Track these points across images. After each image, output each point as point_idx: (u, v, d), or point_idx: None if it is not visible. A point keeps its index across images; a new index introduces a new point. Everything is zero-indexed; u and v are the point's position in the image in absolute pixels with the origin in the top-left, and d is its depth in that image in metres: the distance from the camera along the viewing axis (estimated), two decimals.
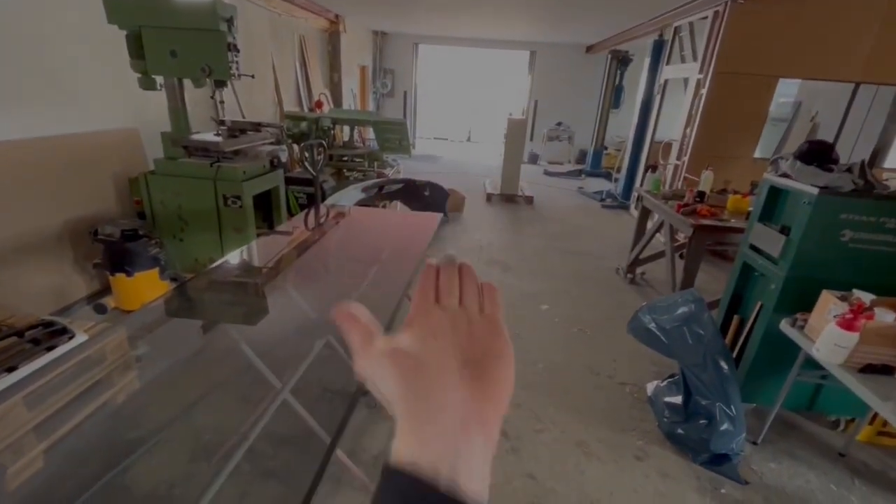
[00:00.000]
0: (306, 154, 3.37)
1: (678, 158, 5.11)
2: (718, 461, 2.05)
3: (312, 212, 3.25)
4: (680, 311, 2.17)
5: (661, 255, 4.16)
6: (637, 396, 2.54)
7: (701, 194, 3.42)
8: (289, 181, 4.18)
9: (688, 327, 2.10)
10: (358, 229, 3.19)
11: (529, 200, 6.67)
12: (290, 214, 4.06)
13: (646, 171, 5.62)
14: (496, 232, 5.39)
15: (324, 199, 4.13)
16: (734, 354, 2.33)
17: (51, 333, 1.95)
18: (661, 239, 4.21)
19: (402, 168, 7.27)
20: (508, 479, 1.95)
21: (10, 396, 1.73)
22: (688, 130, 4.98)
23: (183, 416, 2.30)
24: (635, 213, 6.18)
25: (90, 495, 1.68)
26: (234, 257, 2.69)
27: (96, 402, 2.05)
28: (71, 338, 1.97)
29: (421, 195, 5.16)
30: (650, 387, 2.56)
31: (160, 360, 2.37)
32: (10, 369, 1.68)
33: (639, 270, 4.15)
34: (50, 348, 1.84)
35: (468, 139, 14.24)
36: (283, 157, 4.86)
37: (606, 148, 9.48)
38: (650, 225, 4.07)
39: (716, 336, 2.07)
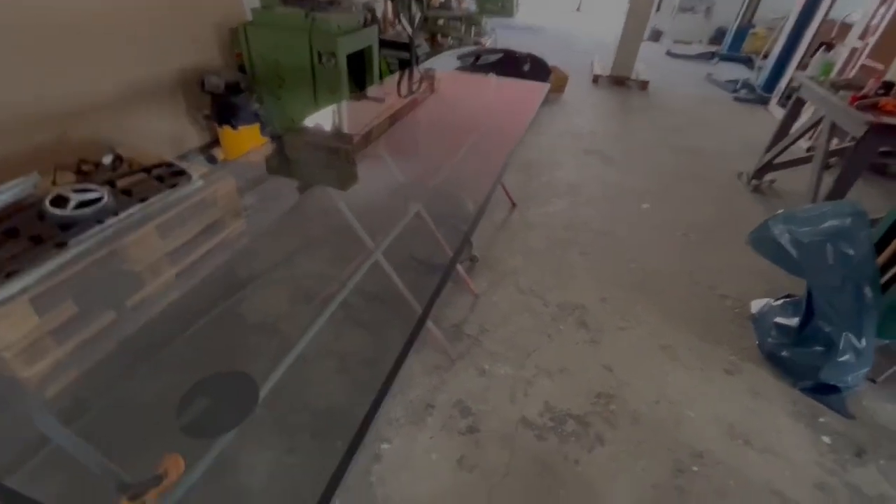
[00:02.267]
0: (401, 13, 3.05)
1: (861, 38, 3.96)
2: (824, 391, 1.86)
3: (406, 77, 3.04)
4: (828, 224, 1.80)
5: (800, 162, 3.48)
6: (738, 312, 2.31)
7: (888, 85, 2.65)
8: (381, 45, 3.91)
9: (833, 244, 1.76)
10: (454, 97, 2.96)
11: (644, 86, 5.78)
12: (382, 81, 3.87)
13: (815, 50, 4.47)
14: (600, 119, 4.82)
15: (418, 64, 3.84)
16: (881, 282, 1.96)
17: (172, 174, 2.11)
18: (801, 146, 3.48)
19: (500, 39, 6.51)
20: (584, 367, 1.94)
21: (145, 225, 1.94)
22: (882, 9, 3.75)
23: (285, 263, 2.52)
24: (777, 110, 5.13)
25: (210, 318, 1.94)
26: (326, 119, 2.65)
27: (213, 240, 2.28)
28: (189, 179, 2.12)
29: (520, 69, 4.64)
30: (756, 304, 2.30)
31: (264, 211, 2.53)
32: (142, 199, 1.86)
33: (767, 177, 3.54)
34: (172, 186, 1.99)
35: (578, 8, 12.31)
36: (378, 11, 4.50)
37: (754, 26, 7.66)
38: (799, 124, 3.34)
39: (868, 259, 1.72)
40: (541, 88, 2.67)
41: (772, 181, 3.56)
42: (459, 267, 2.31)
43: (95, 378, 1.51)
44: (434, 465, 1.56)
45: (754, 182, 3.53)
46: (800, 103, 3.21)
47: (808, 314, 1.90)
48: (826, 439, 1.74)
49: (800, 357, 1.90)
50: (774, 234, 1.95)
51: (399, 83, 2.93)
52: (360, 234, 1.85)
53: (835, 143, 3.34)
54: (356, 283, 2.32)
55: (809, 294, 1.89)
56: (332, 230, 2.57)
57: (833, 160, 4.00)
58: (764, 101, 5.51)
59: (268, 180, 2.47)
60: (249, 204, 2.51)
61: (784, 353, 1.96)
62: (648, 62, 6.63)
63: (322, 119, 2.68)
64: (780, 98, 5.25)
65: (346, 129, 2.67)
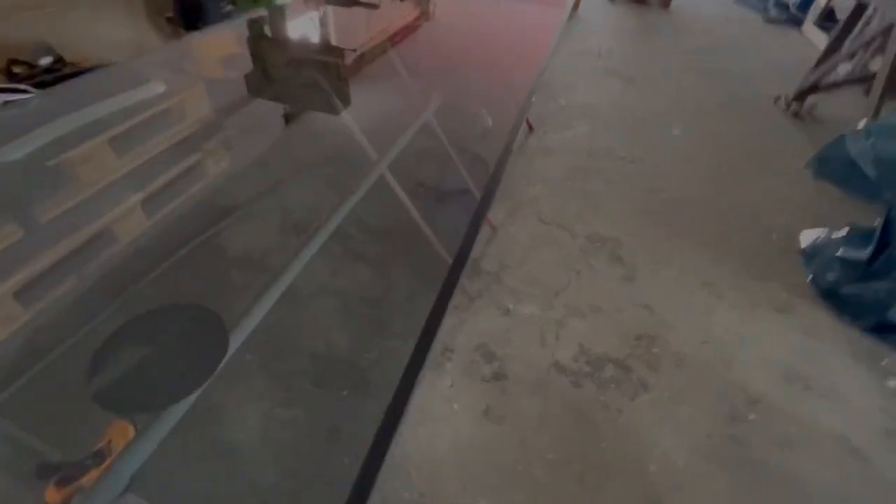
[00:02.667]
0: None
1: None
2: (890, 331, 1.65)
3: None
4: None
5: (849, 83, 3.11)
6: (786, 246, 2.06)
7: None
8: None
9: None
10: (462, 18, 2.52)
11: (666, 3, 5.19)
12: None
13: None
14: (618, 39, 4.32)
15: None
16: None
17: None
18: (838, 71, 3.10)
19: None
20: (620, 307, 1.71)
21: (94, 137, 1.59)
22: None
23: (271, 193, 2.20)
24: (813, 31, 4.64)
25: (184, 253, 1.64)
26: (312, 28, 2.21)
27: (184, 161, 1.94)
28: (148, 84, 1.74)
29: None
30: (807, 236, 2.05)
31: (245, 135, 2.16)
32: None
33: (809, 101, 3.18)
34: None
35: None
36: None
37: None
38: (850, 37, 2.93)
39: None
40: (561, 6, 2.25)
41: (813, 105, 3.20)
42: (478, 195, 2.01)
43: (39, 325, 1.23)
44: (456, 416, 1.34)
45: (794, 106, 3.17)
46: (860, 9, 2.79)
47: (883, 245, 1.65)
48: (891, 383, 1.55)
49: (865, 294, 1.68)
50: (849, 151, 1.66)
51: None
52: (363, 143, 1.52)
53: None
54: (357, 214, 2.01)
55: (888, 221, 1.63)
56: (326, 156, 2.22)
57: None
58: (798, 22, 4.98)
59: (249, 104, 2.09)
60: (228, 130, 2.14)
61: (845, 290, 1.73)
62: None
63: (308, 28, 2.24)
64: (818, 18, 4.74)
65: (335, 42, 2.26)
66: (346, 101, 1.97)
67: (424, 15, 2.62)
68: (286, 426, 1.26)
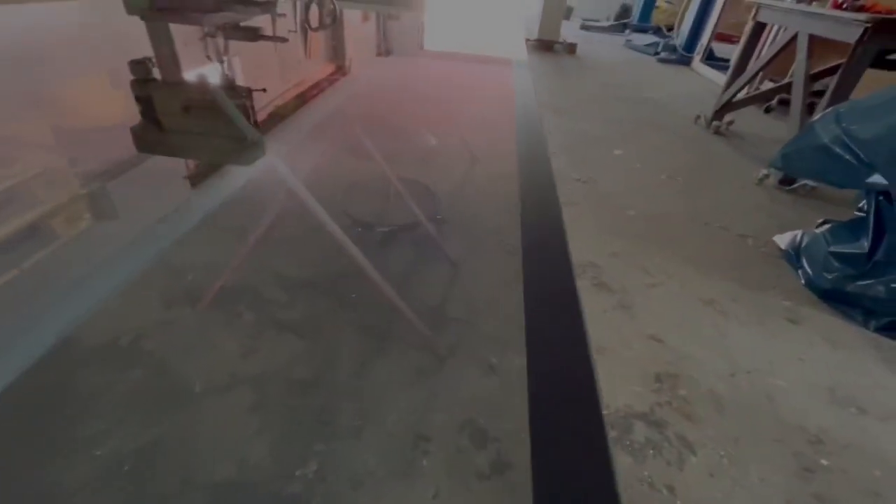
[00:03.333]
0: None
1: None
2: None
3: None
4: None
5: (757, 99, 3.31)
6: (765, 251, 1.90)
7: None
8: None
9: None
10: (376, 69, 2.29)
11: (572, 49, 5.51)
12: None
13: None
14: (538, 78, 4.39)
15: None
16: None
17: None
18: (742, 91, 3.30)
19: None
20: (626, 342, 1.37)
21: None
22: None
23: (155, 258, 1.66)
24: (701, 67, 5.11)
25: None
26: (212, 69, 1.83)
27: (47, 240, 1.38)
28: None
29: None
30: (783, 239, 1.91)
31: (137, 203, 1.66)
32: None
33: (726, 118, 3.30)
34: None
35: None
36: None
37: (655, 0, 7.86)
38: (754, 59, 3.12)
39: None
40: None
41: (730, 123, 3.33)
42: (430, 228, 1.63)
43: None
44: None
45: (715, 124, 3.27)
46: (759, 29, 2.98)
47: (879, 232, 1.50)
48: None
49: (873, 289, 1.50)
50: (821, 137, 1.54)
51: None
52: (278, 174, 1.10)
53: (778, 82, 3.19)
54: (274, 267, 1.53)
55: (878, 206, 1.49)
56: (241, 213, 1.76)
57: (774, 102, 3.94)
58: (686, 62, 5.49)
59: (140, 163, 1.61)
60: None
61: (849, 289, 1.55)
62: (567, 35, 6.43)
63: (206, 68, 1.84)
64: (703, 56, 5.25)
65: (241, 82, 1.87)
66: (258, 149, 1.56)
67: (340, 70, 2.35)
68: None
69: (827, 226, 1.75)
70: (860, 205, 1.62)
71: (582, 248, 1.80)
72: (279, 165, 1.11)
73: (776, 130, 3.37)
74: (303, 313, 1.36)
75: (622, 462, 1.04)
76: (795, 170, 1.70)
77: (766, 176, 2.48)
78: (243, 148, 1.22)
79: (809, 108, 2.51)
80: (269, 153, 1.17)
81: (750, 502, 0.99)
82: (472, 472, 1.00)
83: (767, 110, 3.92)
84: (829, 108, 1.59)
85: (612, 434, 1.10)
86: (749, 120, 3.58)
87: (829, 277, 1.60)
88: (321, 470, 0.95)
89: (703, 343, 1.40)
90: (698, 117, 3.42)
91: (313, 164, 1.63)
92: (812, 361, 1.38)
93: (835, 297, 1.59)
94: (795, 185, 2.38)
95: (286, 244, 1.60)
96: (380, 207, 1.80)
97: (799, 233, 1.86)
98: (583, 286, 1.61)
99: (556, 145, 2.78)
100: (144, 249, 1.06)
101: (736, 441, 1.11)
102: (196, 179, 1.82)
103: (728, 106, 3.21)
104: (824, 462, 1.09)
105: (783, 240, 1.91)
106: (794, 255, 1.80)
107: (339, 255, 1.24)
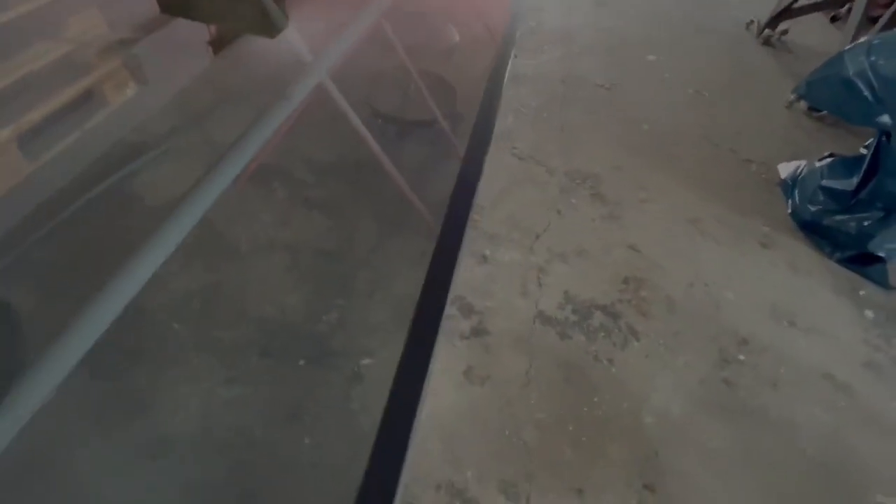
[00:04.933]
0: None
1: None
2: (864, 261, 1.62)
3: None
4: None
5: (822, 6, 3.00)
6: (765, 177, 1.98)
7: None
8: None
9: None
10: None
11: None
12: None
13: None
14: None
15: None
16: None
17: None
18: None
19: None
20: (607, 249, 1.57)
21: None
22: None
23: (194, 127, 1.82)
24: None
25: (94, 195, 1.31)
26: None
27: (72, 88, 1.52)
28: None
29: None
30: (785, 168, 1.97)
31: (162, 64, 1.74)
32: None
33: (780, 27, 3.04)
34: None
35: None
36: None
37: None
38: None
39: None
40: None
41: (783, 32, 3.07)
42: (445, 125, 1.74)
43: None
44: (434, 379, 1.18)
45: (767, 32, 3.03)
46: None
47: (871, 172, 1.57)
48: (869, 313, 1.54)
49: (846, 225, 1.62)
50: (849, 71, 1.52)
51: None
52: (301, 52, 1.20)
53: None
54: (305, 152, 1.70)
55: (877, 147, 1.54)
56: (262, 85, 1.85)
57: (843, 10, 3.54)
58: None
59: (165, 25, 1.65)
60: (140, 53, 1.69)
61: (826, 222, 1.67)
62: None
63: None
64: None
65: None
66: (283, 20, 1.59)
67: None
68: (231, 408, 1.05)
69: (828, 160, 1.80)
70: (866, 143, 1.66)
71: (589, 158, 1.90)
72: (302, 46, 1.21)
73: (834, 45, 3.11)
74: (328, 194, 1.56)
75: (577, 340, 1.31)
76: (817, 99, 1.70)
77: (798, 99, 2.41)
78: (268, 21, 1.32)
79: (872, 22, 2.33)
80: (294, 32, 1.26)
81: (671, 378, 1.27)
82: (457, 334, 1.28)
83: (834, 19, 3.54)
84: (866, 37, 1.54)
85: (573, 318, 1.35)
86: (809, 30, 3.27)
87: (812, 210, 1.72)
88: (342, 318, 1.23)
89: (675, 256, 1.59)
90: (751, 22, 3.15)
91: (338, 52, 1.68)
92: (767, 281, 1.58)
93: (811, 229, 1.72)
94: (823, 113, 2.33)
95: (313, 129, 1.73)
96: (400, 100, 1.88)
97: (802, 163, 1.91)
98: (581, 195, 1.76)
99: (585, 45, 2.67)
100: (188, 128, 1.23)
101: (675, 335, 1.37)
102: (217, 46, 1.90)
103: (787, 12, 2.93)
104: (741, 357, 1.34)
105: (786, 168, 1.97)
106: (790, 185, 1.88)
107: (361, 144, 1.40)
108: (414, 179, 1.61)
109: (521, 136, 1.94)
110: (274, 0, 1.49)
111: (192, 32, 1.69)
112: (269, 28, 1.49)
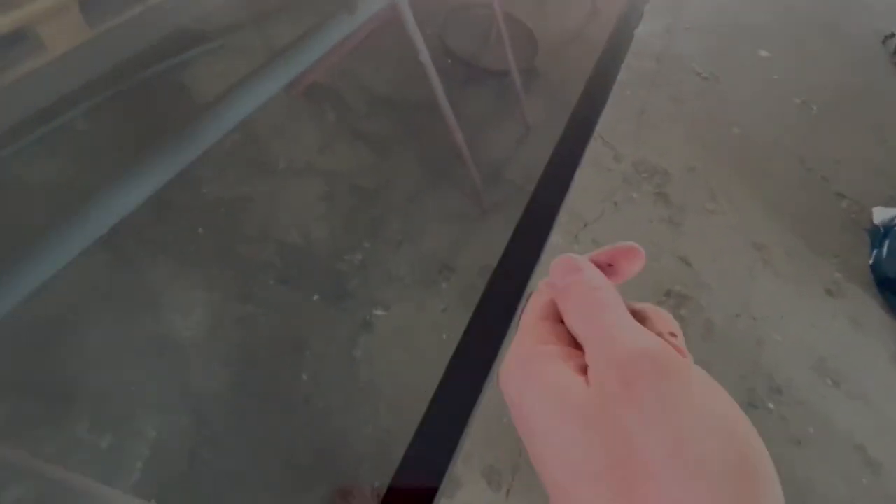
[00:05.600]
0: None
1: None
2: None
3: None
4: None
5: None
6: (854, 217, 1.76)
7: None
8: None
9: None
10: None
11: None
12: None
13: None
14: None
15: None
16: None
17: None
18: None
19: None
20: (656, 255, 1.44)
21: None
22: None
23: (255, 27, 1.73)
24: None
25: (144, 78, 1.26)
26: None
27: None
28: None
29: None
30: (881, 213, 1.74)
31: None
32: None
33: None
34: None
35: None
36: None
37: None
38: None
39: None
40: None
41: None
42: (518, 80, 1.59)
43: None
44: (443, 347, 1.14)
45: None
46: None
47: None
48: None
49: None
50: None
51: None
52: None
53: None
54: (362, 79, 1.59)
55: None
56: None
57: None
58: None
59: None
60: None
61: None
62: None
63: None
64: None
65: None
66: None
67: None
68: (240, 325, 1.04)
69: None
70: None
71: (663, 151, 1.73)
72: None
73: None
74: (378, 129, 1.47)
75: None
76: None
77: None
78: None
79: None
80: None
81: None
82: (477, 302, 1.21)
83: None
84: None
85: None
86: None
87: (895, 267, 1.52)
88: (364, 261, 1.18)
89: (728, 279, 1.46)
90: (890, 36, 2.72)
91: None
92: (822, 331, 1.43)
93: (887, 285, 1.54)
94: None
95: (377, 56, 1.61)
96: (477, 43, 1.72)
97: None
98: (644, 191, 1.61)
99: (693, 22, 2.37)
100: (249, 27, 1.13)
101: (705, 364, 1.26)
102: None
103: None
104: (771, 405, 1.24)
105: (881, 214, 1.74)
106: (880, 233, 1.67)
107: (423, 83, 1.28)
108: (470, 133, 1.50)
109: None
110: None
111: None
112: None
